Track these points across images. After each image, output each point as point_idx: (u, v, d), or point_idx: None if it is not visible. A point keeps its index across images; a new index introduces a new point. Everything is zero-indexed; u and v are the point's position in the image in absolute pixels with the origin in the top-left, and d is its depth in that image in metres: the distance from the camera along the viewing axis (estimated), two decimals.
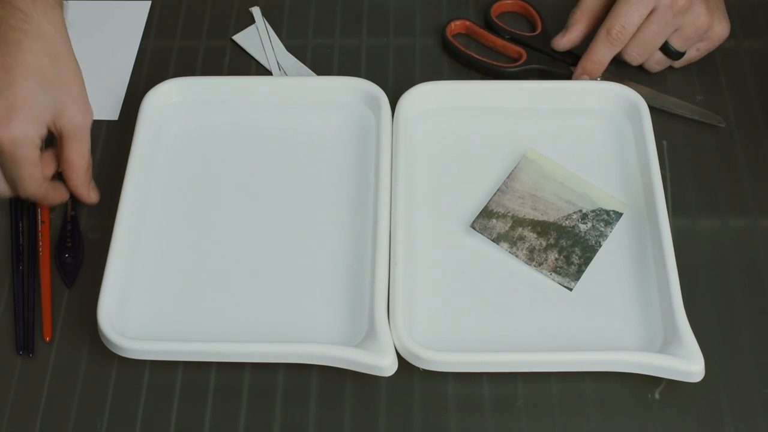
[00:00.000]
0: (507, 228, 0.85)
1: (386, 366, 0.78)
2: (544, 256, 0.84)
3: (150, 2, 1.06)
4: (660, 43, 0.94)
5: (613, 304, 0.82)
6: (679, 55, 0.95)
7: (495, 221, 0.85)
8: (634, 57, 0.95)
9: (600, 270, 0.84)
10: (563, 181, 0.88)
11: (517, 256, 0.84)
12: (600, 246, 0.85)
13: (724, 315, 0.83)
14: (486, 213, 0.86)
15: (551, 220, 0.86)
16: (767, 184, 0.91)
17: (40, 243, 0.86)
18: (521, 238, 0.85)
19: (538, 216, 0.86)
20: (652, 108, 0.92)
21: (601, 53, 0.94)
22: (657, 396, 0.78)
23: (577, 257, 0.84)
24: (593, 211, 0.87)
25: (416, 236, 0.86)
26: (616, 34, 0.93)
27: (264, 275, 0.84)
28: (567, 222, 0.86)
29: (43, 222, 0.88)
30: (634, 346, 0.80)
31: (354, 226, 0.87)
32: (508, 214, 0.86)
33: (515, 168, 0.88)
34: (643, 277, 0.83)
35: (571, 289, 0.82)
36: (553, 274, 0.83)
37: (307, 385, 0.79)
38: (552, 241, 0.85)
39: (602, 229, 0.85)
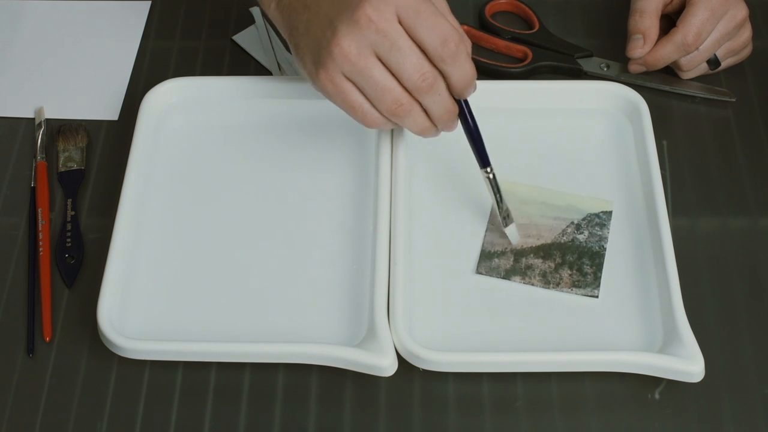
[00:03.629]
0: (511, 263, 0.84)
1: (386, 366, 0.78)
2: (558, 276, 0.83)
3: (150, 2, 1.06)
4: (716, 50, 0.94)
5: (613, 305, 0.82)
6: (717, 64, 0.95)
7: (497, 260, 0.84)
8: (688, 61, 0.94)
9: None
10: (544, 201, 0.88)
11: (533, 285, 0.83)
12: (605, 249, 0.84)
13: (724, 315, 0.83)
14: (485, 255, 0.85)
15: (549, 241, 0.85)
16: (767, 183, 0.91)
17: (40, 243, 0.86)
18: (529, 267, 0.84)
19: (535, 242, 0.85)
20: (659, 90, 0.92)
21: (670, 55, 0.93)
22: (657, 396, 0.78)
23: (588, 267, 0.83)
24: (584, 219, 0.86)
25: (416, 235, 0.86)
26: (693, 41, 0.92)
27: (264, 275, 0.84)
28: (564, 238, 0.85)
29: (43, 222, 0.88)
30: (634, 346, 0.79)
31: (354, 226, 0.86)
32: (507, 250, 0.85)
33: (492, 206, 0.86)
34: (643, 277, 0.83)
35: (596, 297, 0.82)
36: (573, 289, 0.83)
37: (307, 385, 0.79)
38: (559, 260, 0.84)
39: (600, 233, 0.85)
